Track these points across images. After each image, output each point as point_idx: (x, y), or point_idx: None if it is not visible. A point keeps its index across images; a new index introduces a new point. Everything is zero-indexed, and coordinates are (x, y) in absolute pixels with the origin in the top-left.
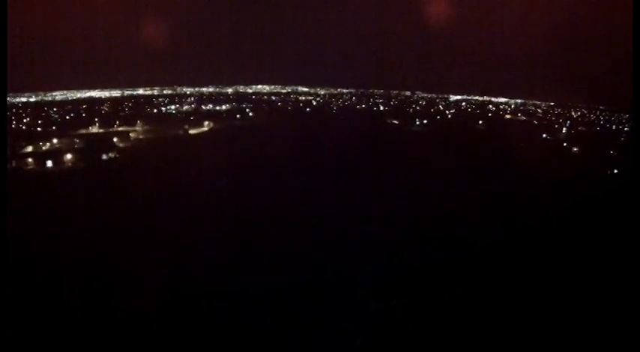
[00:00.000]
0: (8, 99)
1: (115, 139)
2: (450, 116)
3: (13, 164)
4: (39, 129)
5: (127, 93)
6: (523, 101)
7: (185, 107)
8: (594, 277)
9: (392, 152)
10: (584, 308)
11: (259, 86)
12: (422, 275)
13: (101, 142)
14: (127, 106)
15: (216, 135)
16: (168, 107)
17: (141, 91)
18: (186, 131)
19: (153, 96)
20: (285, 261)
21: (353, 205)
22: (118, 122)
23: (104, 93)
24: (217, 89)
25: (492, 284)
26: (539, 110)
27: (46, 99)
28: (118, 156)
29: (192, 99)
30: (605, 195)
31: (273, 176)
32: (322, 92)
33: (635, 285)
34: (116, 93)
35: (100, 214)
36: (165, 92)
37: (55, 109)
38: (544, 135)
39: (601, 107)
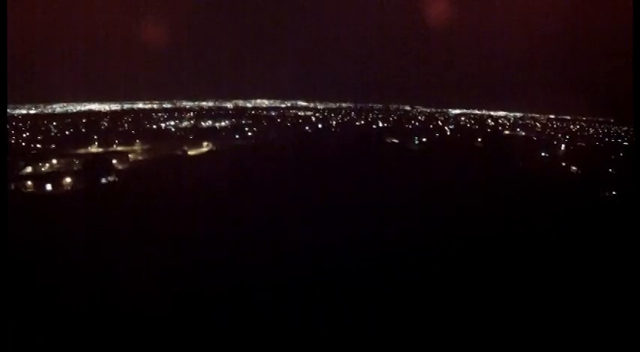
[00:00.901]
0: (8, 110)
1: (114, 161)
2: (449, 132)
3: (12, 186)
4: (38, 145)
5: (126, 106)
6: (522, 114)
7: (184, 123)
8: (593, 301)
9: (392, 175)
10: (581, 334)
11: (258, 100)
12: (420, 293)
13: (100, 164)
14: (126, 121)
15: (215, 157)
16: (167, 122)
17: (140, 105)
18: (186, 152)
19: (152, 110)
20: (289, 281)
21: (355, 233)
22: (116, 141)
23: (104, 107)
24: (216, 103)
25: (487, 305)
26: (537, 124)
27: (46, 111)
28: (116, 179)
29: (192, 114)
30: (604, 219)
31: (274, 202)
32: (321, 106)
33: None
34: (116, 106)
35: (99, 243)
36: (164, 106)
37: (54, 123)
38: (543, 153)
39: (600, 119)
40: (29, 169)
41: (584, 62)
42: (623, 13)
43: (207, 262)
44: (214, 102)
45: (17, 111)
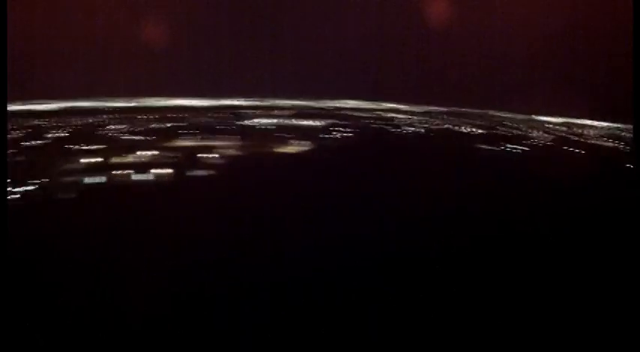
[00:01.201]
0: (101, 103)
1: (203, 155)
2: (541, 141)
3: (101, 175)
4: (127, 137)
5: (218, 102)
6: (611, 124)
7: (274, 120)
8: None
9: (480, 183)
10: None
11: (350, 101)
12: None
13: (188, 157)
14: (216, 117)
15: (304, 157)
16: (255, 120)
17: (230, 102)
18: (275, 149)
19: (241, 107)
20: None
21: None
22: (205, 135)
23: (195, 102)
24: (306, 102)
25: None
26: (626, 134)
27: (138, 105)
28: (207, 174)
29: (281, 112)
30: None
31: (366, 207)
32: (416, 110)
33: None
34: (208, 102)
35: (191, 237)
36: (256, 103)
37: (143, 116)
38: (628, 165)
39: None
40: (122, 159)
41: None
42: None
43: (311, 261)
44: (304, 101)
45: (110, 104)
